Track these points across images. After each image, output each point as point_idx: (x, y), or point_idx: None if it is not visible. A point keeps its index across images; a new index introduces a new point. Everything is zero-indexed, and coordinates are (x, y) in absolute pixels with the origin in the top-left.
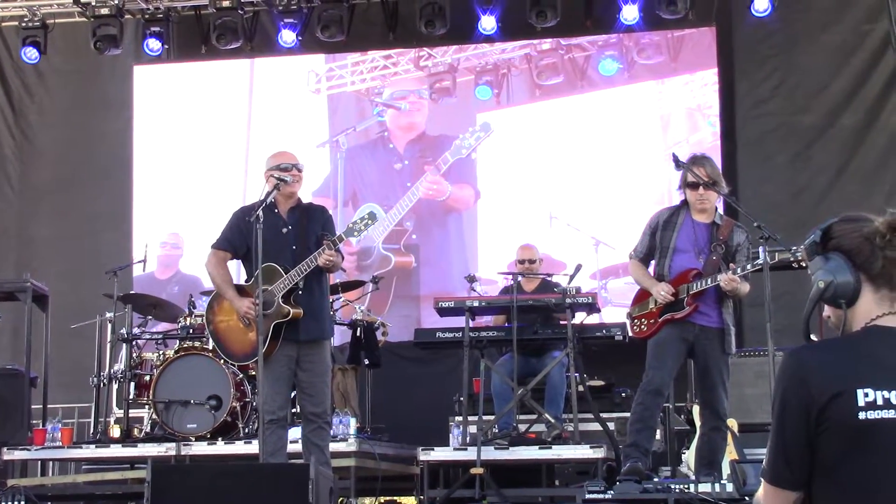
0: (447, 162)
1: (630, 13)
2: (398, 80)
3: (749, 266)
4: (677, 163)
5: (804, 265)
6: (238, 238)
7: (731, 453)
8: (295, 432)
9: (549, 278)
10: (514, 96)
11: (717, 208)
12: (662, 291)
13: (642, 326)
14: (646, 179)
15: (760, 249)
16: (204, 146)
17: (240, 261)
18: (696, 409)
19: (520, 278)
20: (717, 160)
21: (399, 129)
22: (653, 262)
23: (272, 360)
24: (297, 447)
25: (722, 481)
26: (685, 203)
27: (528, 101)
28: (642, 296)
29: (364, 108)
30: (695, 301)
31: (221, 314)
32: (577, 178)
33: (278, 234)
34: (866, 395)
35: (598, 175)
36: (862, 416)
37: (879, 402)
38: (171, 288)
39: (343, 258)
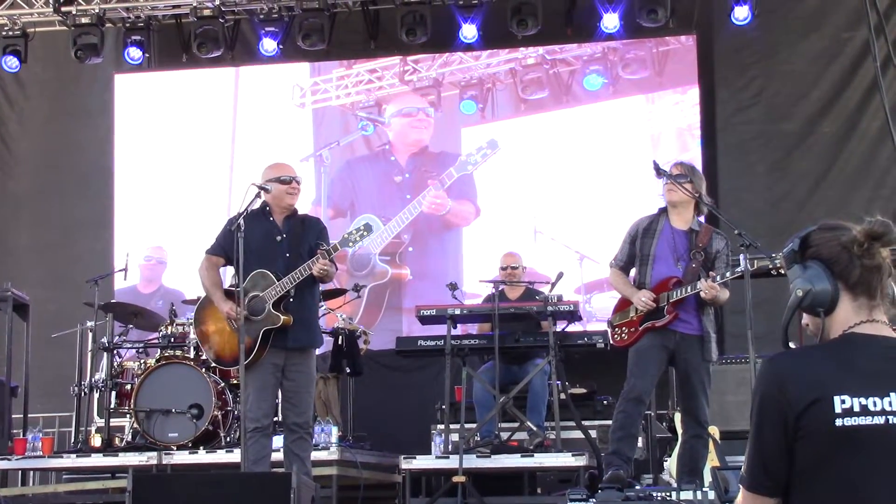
0: (452, 177)
1: (611, 21)
2: (383, 94)
3: (728, 273)
4: (658, 170)
5: (783, 272)
6: (230, 244)
7: (712, 460)
8: (276, 441)
9: (532, 286)
10: (499, 111)
11: (695, 215)
12: (643, 298)
13: (623, 335)
14: (630, 194)
15: (741, 257)
16: (185, 155)
17: (233, 267)
18: (677, 417)
19: (502, 287)
20: (699, 167)
21: (404, 144)
22: (633, 270)
23: (259, 366)
24: (278, 456)
25: (704, 489)
26: (664, 210)
27: (513, 116)
28: (623, 304)
29: (349, 123)
30: (675, 309)
31: (211, 318)
32: (562, 192)
33: (272, 242)
34: (843, 402)
35: (582, 189)
36: (839, 422)
37: (856, 409)
38: (155, 302)
39: (336, 269)
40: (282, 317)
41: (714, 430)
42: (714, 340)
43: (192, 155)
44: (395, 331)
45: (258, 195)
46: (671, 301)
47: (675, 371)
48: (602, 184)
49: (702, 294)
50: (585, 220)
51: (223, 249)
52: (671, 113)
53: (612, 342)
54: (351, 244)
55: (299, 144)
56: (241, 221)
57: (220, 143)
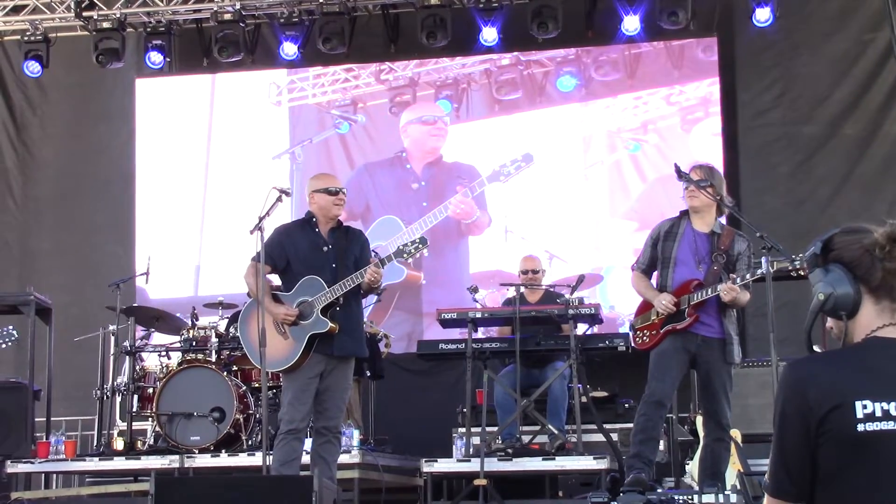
0: (483, 185)
1: (631, 24)
2: (359, 92)
3: (749, 276)
4: (679, 174)
5: (802, 273)
6: (278, 252)
7: (734, 464)
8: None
9: (552, 289)
10: (474, 111)
11: (717, 218)
12: (664, 302)
13: (644, 338)
14: (600, 194)
15: (763, 260)
16: (206, 158)
17: (278, 274)
18: (699, 420)
19: (523, 289)
20: (719, 170)
21: (421, 152)
22: (655, 273)
23: (301, 370)
24: (305, 459)
25: (726, 492)
26: (685, 213)
27: (488, 116)
28: (644, 307)
29: (324, 121)
30: (696, 312)
31: (256, 322)
32: (533, 192)
33: (318, 252)
34: (865, 406)
35: (552, 189)
36: (861, 427)
37: (878, 413)
38: None
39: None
40: (329, 323)
41: (736, 434)
42: (737, 343)
43: (212, 158)
44: (410, 335)
45: (279, 199)
46: (692, 304)
47: (697, 374)
48: (572, 184)
49: (721, 296)
50: (555, 219)
51: (269, 257)
52: (602, 116)
53: (633, 345)
54: (406, 256)
55: (275, 142)
56: (263, 224)
57: (232, 146)
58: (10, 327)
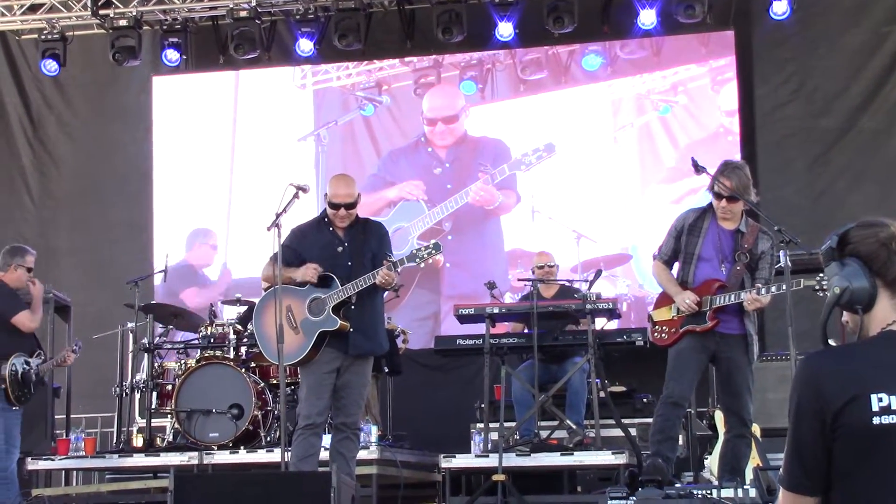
0: (504, 173)
1: (647, 18)
2: (383, 75)
3: (774, 288)
4: (696, 167)
5: (825, 294)
6: (292, 255)
7: (753, 458)
8: (326, 440)
9: (570, 285)
10: (499, 91)
11: (743, 215)
12: (687, 301)
13: (663, 334)
14: (626, 173)
15: (781, 254)
16: (232, 144)
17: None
18: (718, 415)
19: (539, 284)
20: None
21: (438, 138)
22: (676, 264)
23: (314, 366)
24: (324, 455)
25: (745, 487)
26: (711, 206)
27: (513, 96)
28: (664, 300)
29: (348, 103)
30: (717, 316)
31: (270, 314)
32: (560, 172)
33: (333, 253)
34: (880, 400)
35: (579, 169)
36: (876, 421)
37: (894, 406)
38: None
39: (399, 278)
40: (339, 321)
41: (755, 428)
42: (755, 342)
43: (229, 154)
44: (431, 319)
45: (296, 196)
46: (714, 307)
47: (717, 370)
48: (599, 163)
49: (745, 305)
50: (583, 199)
51: (285, 259)
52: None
53: (651, 339)
54: (418, 260)
55: (300, 125)
56: (280, 222)
57: (257, 131)
58: (76, 338)
